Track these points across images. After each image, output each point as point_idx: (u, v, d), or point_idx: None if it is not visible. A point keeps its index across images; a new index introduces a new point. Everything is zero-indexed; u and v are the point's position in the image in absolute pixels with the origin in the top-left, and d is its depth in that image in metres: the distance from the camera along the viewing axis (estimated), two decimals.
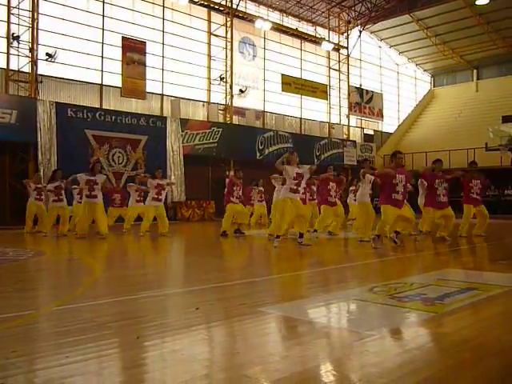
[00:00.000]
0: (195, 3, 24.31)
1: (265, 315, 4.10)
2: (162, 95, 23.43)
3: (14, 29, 18.41)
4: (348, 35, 32.13)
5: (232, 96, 25.31)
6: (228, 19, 25.33)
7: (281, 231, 9.88)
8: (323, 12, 30.42)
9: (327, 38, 30.64)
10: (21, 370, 2.84)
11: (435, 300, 4.59)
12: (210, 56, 25.13)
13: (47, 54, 19.20)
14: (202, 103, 24.83)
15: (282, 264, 8.24)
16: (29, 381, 2.72)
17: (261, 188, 18.02)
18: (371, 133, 34.70)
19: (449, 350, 3.17)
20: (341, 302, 4.74)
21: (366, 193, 11.02)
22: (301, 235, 9.96)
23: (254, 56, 27.40)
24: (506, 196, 26.13)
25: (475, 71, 38.07)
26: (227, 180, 14.29)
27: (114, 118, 19.68)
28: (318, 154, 28.23)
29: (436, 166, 11.28)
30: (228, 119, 25.14)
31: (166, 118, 21.79)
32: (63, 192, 13.30)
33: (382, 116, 34.44)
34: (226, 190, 13.33)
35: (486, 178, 12.61)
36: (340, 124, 31.73)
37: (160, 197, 13.17)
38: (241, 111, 26.02)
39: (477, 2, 28.72)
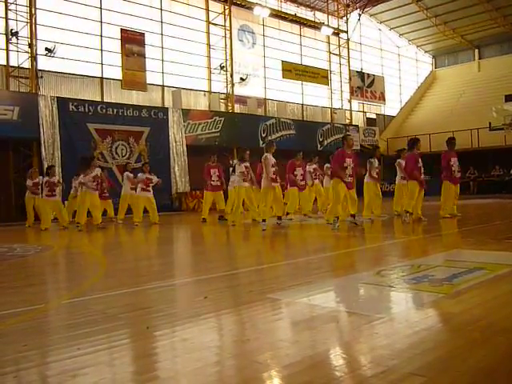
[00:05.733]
0: None
1: (273, 301, 4.11)
2: (163, 86, 23.36)
3: (12, 25, 18.31)
4: (347, 19, 31.84)
5: (233, 84, 25.21)
6: (226, 7, 25.17)
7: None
8: None
9: (326, 23, 30.37)
10: (33, 363, 2.87)
11: (443, 281, 4.59)
12: (209, 45, 25.00)
13: (46, 48, 19.11)
14: (203, 93, 24.74)
15: (288, 250, 8.26)
16: (41, 374, 2.75)
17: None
18: (374, 117, 34.52)
19: (458, 330, 3.18)
20: (349, 286, 4.74)
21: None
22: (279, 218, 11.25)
23: (253, 43, 27.25)
24: (511, 175, 26.01)
25: (477, 51, 37.75)
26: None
27: (115, 110, 19.62)
28: (321, 139, 28.15)
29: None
30: (230, 108, 25.07)
31: (167, 108, 21.73)
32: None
33: (384, 99, 34.25)
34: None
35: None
36: (342, 109, 31.56)
37: (148, 188, 14.07)
38: (242, 99, 25.93)
39: None
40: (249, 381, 2.50)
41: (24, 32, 18.51)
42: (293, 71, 27.69)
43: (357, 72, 32.10)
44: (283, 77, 27.26)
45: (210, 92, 24.82)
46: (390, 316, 3.59)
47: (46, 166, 17.24)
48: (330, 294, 4.54)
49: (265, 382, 2.53)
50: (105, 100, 20.75)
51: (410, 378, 2.41)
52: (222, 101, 24.97)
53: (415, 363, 2.59)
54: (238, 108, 25.53)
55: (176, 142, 21.44)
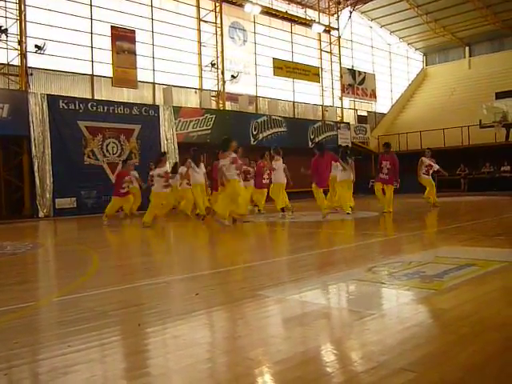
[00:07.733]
0: None
1: (265, 298, 4.11)
2: (154, 83, 23.28)
3: (1, 21, 18.17)
4: (338, 16, 31.86)
5: (224, 82, 25.17)
6: (217, 4, 25.11)
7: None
8: None
9: (317, 20, 30.39)
10: (24, 360, 2.86)
11: (434, 277, 4.61)
12: (200, 42, 24.93)
13: (36, 46, 18.95)
14: (194, 90, 24.69)
15: (279, 248, 8.27)
16: (33, 371, 2.74)
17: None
18: (365, 114, 34.58)
19: (449, 326, 3.19)
20: (340, 283, 4.75)
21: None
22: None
23: (244, 41, 27.23)
24: (501, 172, 26.15)
25: (467, 48, 37.91)
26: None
27: (106, 108, 19.50)
28: (312, 137, 28.16)
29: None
30: (221, 105, 25.04)
31: (158, 106, 21.65)
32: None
33: (375, 97, 34.33)
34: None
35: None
36: (333, 106, 31.60)
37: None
38: (233, 97, 25.89)
39: None
40: (240, 377, 2.51)
41: (13, 29, 18.37)
42: (284, 69, 27.69)
43: (348, 69, 32.16)
44: (274, 74, 27.27)
45: (201, 89, 24.76)
46: (381, 312, 3.60)
47: (36, 163, 17.18)
48: (321, 290, 4.54)
49: (256, 378, 2.53)
50: (95, 97, 20.65)
51: (401, 373, 2.42)
52: (213, 98, 24.92)
53: (406, 359, 2.61)
54: (229, 105, 25.50)
55: (167, 139, 21.38)
